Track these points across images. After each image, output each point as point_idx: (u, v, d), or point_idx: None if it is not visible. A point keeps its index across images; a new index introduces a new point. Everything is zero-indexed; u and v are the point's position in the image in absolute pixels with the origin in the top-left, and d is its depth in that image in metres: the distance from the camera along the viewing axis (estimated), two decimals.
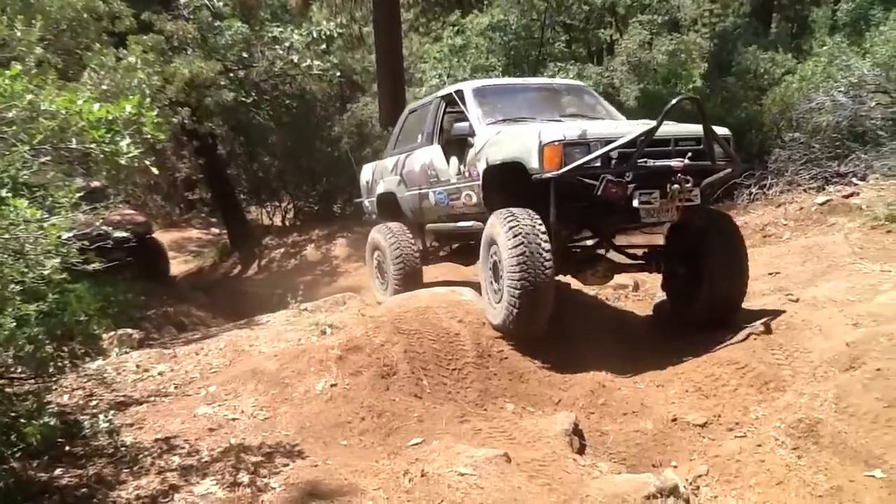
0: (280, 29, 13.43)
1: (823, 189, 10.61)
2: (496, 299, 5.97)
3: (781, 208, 10.39)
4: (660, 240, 6.96)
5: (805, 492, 4.11)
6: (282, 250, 15.68)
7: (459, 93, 7.44)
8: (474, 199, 6.77)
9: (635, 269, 7.02)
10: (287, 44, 13.17)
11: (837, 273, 7.31)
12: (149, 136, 4.37)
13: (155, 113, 4.47)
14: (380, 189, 8.89)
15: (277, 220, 18.39)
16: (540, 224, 5.70)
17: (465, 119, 6.94)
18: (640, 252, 6.96)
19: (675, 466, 4.59)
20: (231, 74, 13.67)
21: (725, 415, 5.10)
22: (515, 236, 5.62)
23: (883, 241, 8.07)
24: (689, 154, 5.79)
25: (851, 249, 7.89)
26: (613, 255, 6.93)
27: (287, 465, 4.09)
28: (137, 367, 5.89)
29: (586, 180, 5.56)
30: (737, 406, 5.16)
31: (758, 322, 6.04)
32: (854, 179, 10.52)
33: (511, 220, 5.75)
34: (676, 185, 5.57)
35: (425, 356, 5.54)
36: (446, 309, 6.24)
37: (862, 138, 11.06)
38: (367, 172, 9.64)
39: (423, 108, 8.31)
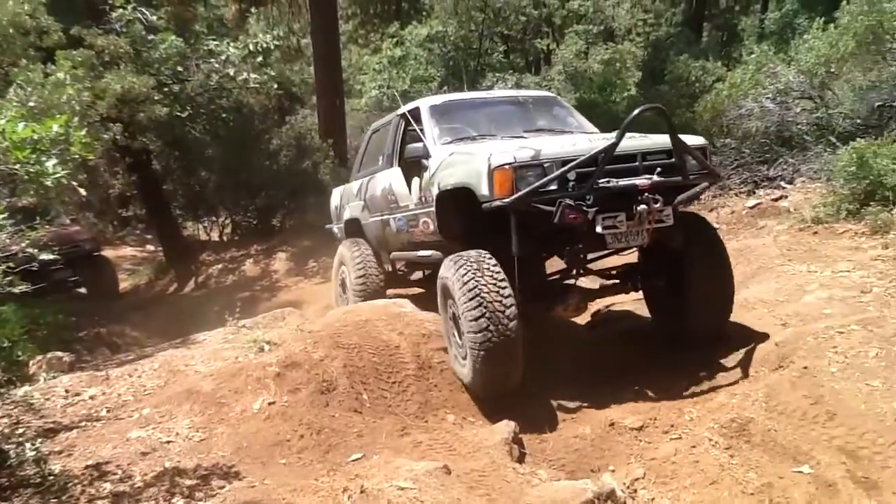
0: (216, 42, 13.25)
1: (753, 193, 10.90)
2: (462, 355, 5.46)
3: (714, 212, 10.62)
4: (633, 256, 6.53)
5: (737, 490, 4.20)
6: (219, 266, 15.43)
7: (416, 111, 7.06)
8: (431, 227, 6.33)
9: (611, 293, 6.46)
10: (223, 57, 12.99)
11: (767, 274, 7.51)
12: (76, 156, 4.28)
13: (84, 132, 4.38)
14: (346, 215, 8.67)
15: (215, 236, 18.09)
16: (496, 268, 5.21)
17: (421, 139, 6.54)
18: (614, 271, 6.47)
19: (613, 471, 4.63)
20: (165, 89, 13.42)
21: (661, 417, 5.17)
22: (470, 290, 5.06)
23: (809, 242, 8.33)
24: (659, 169, 5.30)
25: (780, 251, 8.12)
26: (585, 281, 6.46)
27: (223, 487, 4.02)
28: (67, 391, 5.72)
29: (543, 206, 5.08)
30: (672, 408, 5.25)
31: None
32: (782, 183, 10.83)
33: (463, 269, 5.21)
34: (644, 206, 5.07)
35: (365, 370, 5.50)
36: (386, 321, 6.21)
37: (789, 143, 11.40)
38: (335, 197, 9.41)
39: (385, 128, 7.90)
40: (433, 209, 6.17)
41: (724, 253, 6.01)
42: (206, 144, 16.54)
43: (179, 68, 13.57)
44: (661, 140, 5.39)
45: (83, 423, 5.02)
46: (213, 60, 12.98)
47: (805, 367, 5.00)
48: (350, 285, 7.82)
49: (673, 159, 5.35)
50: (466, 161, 5.67)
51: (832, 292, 6.39)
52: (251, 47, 13.26)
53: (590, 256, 5.94)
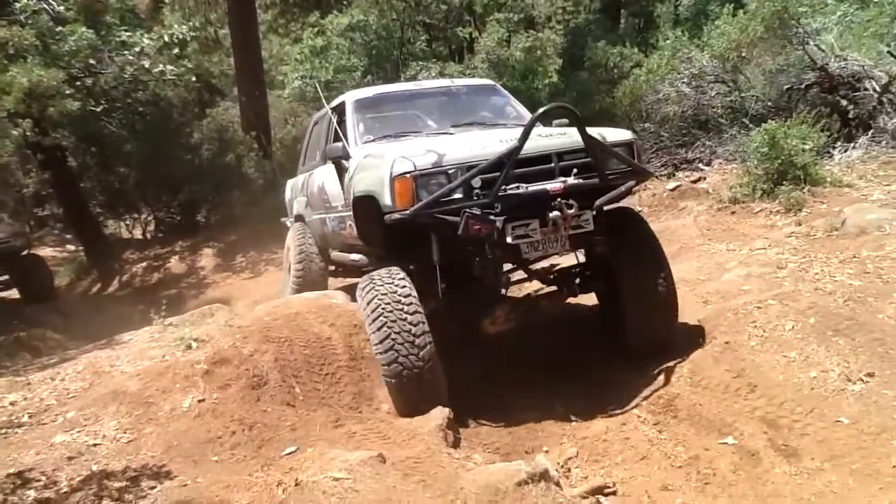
0: (129, 33, 12.82)
1: (674, 175, 11.20)
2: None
3: (636, 195, 10.82)
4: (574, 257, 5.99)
5: (666, 464, 4.35)
6: (144, 264, 15.05)
7: (341, 106, 6.73)
8: (354, 232, 5.99)
9: (546, 301, 6.05)
10: (137, 49, 12.57)
11: (688, 254, 7.75)
12: None
13: None
14: (294, 210, 8.37)
15: (138, 233, 17.61)
16: (406, 291, 4.85)
17: (341, 138, 6.20)
18: (551, 276, 6.09)
19: (547, 451, 4.73)
20: (77, 82, 12.92)
21: (592, 397, 5.30)
22: (376, 320, 4.75)
23: (727, 221, 8.62)
24: (575, 170, 4.88)
25: (700, 231, 8.39)
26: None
27: (154, 487, 3.92)
28: None
29: (447, 217, 4.71)
30: (602, 388, 5.38)
31: None
32: (700, 165, 11.17)
33: (369, 295, 4.87)
34: (556, 213, 4.70)
35: (297, 363, 5.43)
36: (317, 314, 6.12)
37: (706, 126, 11.76)
38: (287, 189, 9.07)
39: (322, 120, 7.44)
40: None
41: (659, 250, 5.56)
42: (124, 139, 16.06)
43: (91, 61, 13.03)
44: (579, 138, 4.87)
45: (3, 430, 4.85)
46: (126, 52, 12.52)
47: (726, 343, 5.19)
48: (290, 273, 7.64)
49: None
50: (376, 166, 5.24)
51: (750, 269, 6.64)
52: (166, 38, 12.86)
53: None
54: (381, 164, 5.10)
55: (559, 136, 5.07)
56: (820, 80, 10.08)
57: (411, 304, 4.79)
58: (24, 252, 13.61)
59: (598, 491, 4.18)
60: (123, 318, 11.03)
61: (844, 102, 9.76)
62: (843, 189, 8.36)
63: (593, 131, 5.01)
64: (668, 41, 13.70)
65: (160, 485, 3.95)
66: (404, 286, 4.88)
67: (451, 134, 5.99)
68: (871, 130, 9.51)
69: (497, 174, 4.65)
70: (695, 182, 10.56)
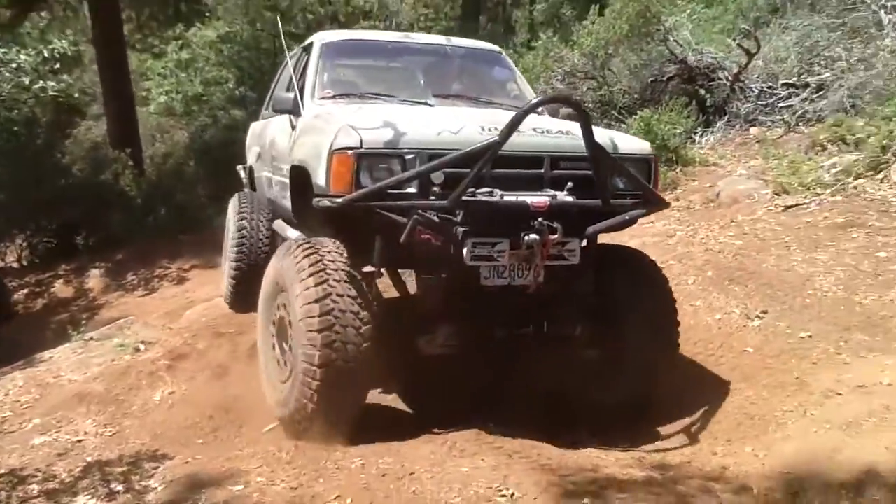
0: (3, 50, 12.36)
1: None
2: (282, 376, 4.18)
3: None
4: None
5: None
6: (25, 291, 14.35)
7: (309, 47, 5.58)
8: (290, 206, 5.07)
9: (501, 334, 4.37)
10: (14, 66, 12.15)
11: None
12: None
13: None
14: (248, 159, 7.15)
15: (11, 261, 16.68)
16: (352, 271, 3.90)
17: (293, 88, 5.17)
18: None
19: None
20: None
21: None
22: (318, 284, 3.72)
23: None
24: (571, 184, 3.84)
25: None
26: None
27: (157, 466, 4.11)
28: None
29: (393, 216, 3.68)
30: None
31: None
32: None
33: (311, 256, 3.86)
34: (534, 235, 3.66)
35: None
36: None
37: None
38: (249, 132, 7.48)
39: (293, 60, 5.87)
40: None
41: (667, 304, 4.55)
42: None
43: None
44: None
45: None
46: (2, 69, 12.10)
47: None
48: (226, 252, 6.61)
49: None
50: (319, 131, 4.19)
51: (644, 240, 7.43)
52: (46, 54, 12.48)
53: None
54: (325, 129, 4.07)
55: (559, 136, 3.97)
56: (680, 72, 11.15)
57: (360, 286, 3.88)
58: None
59: None
60: (9, 346, 10.57)
61: (702, 91, 10.87)
62: (709, 167, 9.41)
63: (601, 134, 4.05)
64: (540, 42, 14.55)
65: (163, 464, 4.15)
66: (346, 264, 3.94)
67: (430, 105, 4.88)
68: (726, 115, 10.67)
69: (465, 170, 3.57)
70: None
